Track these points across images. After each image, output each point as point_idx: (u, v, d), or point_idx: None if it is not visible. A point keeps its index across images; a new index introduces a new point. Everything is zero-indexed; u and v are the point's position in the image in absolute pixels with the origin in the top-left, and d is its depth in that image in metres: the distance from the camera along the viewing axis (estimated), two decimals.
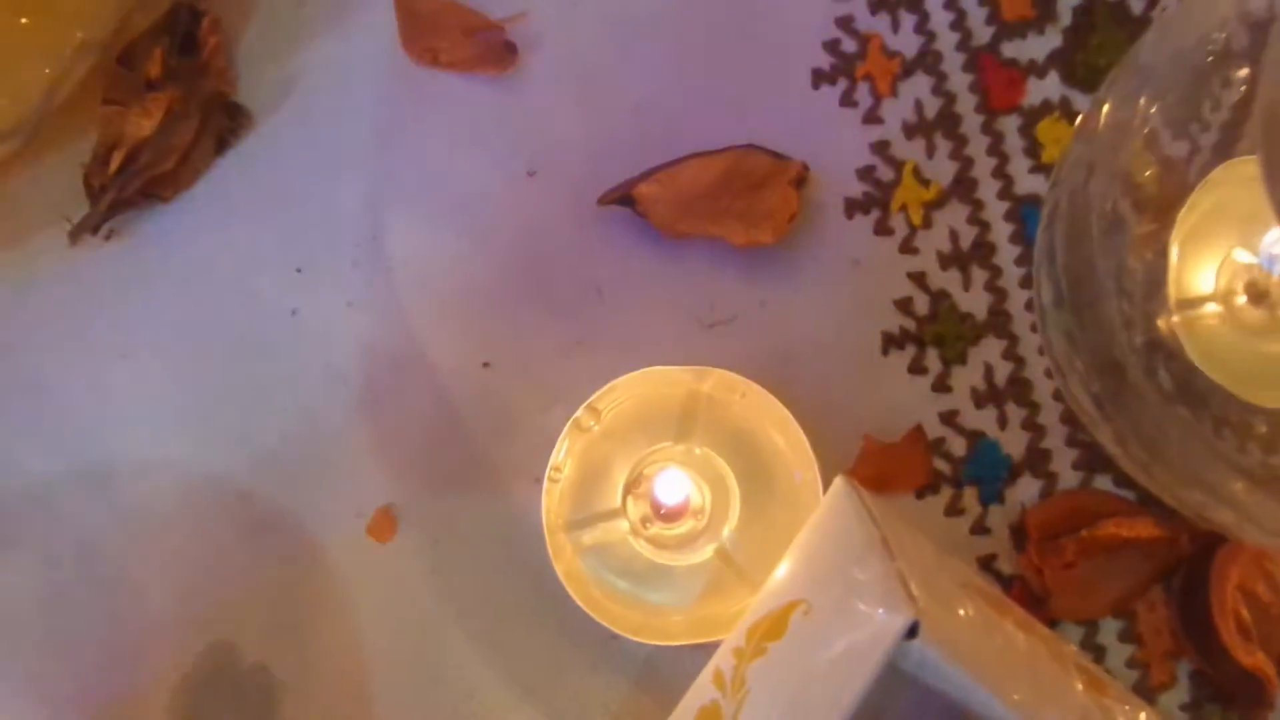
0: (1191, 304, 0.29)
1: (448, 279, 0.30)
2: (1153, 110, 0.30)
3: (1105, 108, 0.28)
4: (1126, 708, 0.24)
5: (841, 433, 0.30)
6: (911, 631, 0.21)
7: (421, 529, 0.28)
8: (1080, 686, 0.23)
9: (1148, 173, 0.31)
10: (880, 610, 0.21)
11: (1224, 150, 0.33)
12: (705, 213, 0.30)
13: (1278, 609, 0.30)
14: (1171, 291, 0.29)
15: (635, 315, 0.30)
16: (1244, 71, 0.33)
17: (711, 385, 0.29)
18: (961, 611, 0.22)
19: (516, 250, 0.30)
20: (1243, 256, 0.29)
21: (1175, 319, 0.29)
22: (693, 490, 0.28)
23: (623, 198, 0.30)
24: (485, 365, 0.29)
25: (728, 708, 0.22)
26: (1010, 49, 0.33)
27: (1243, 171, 0.30)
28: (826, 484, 0.28)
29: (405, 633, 0.29)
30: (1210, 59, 0.32)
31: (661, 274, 0.30)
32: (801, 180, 0.31)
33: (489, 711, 0.29)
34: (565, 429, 0.27)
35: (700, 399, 0.29)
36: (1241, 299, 0.29)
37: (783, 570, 0.23)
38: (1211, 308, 0.29)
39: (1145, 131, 0.30)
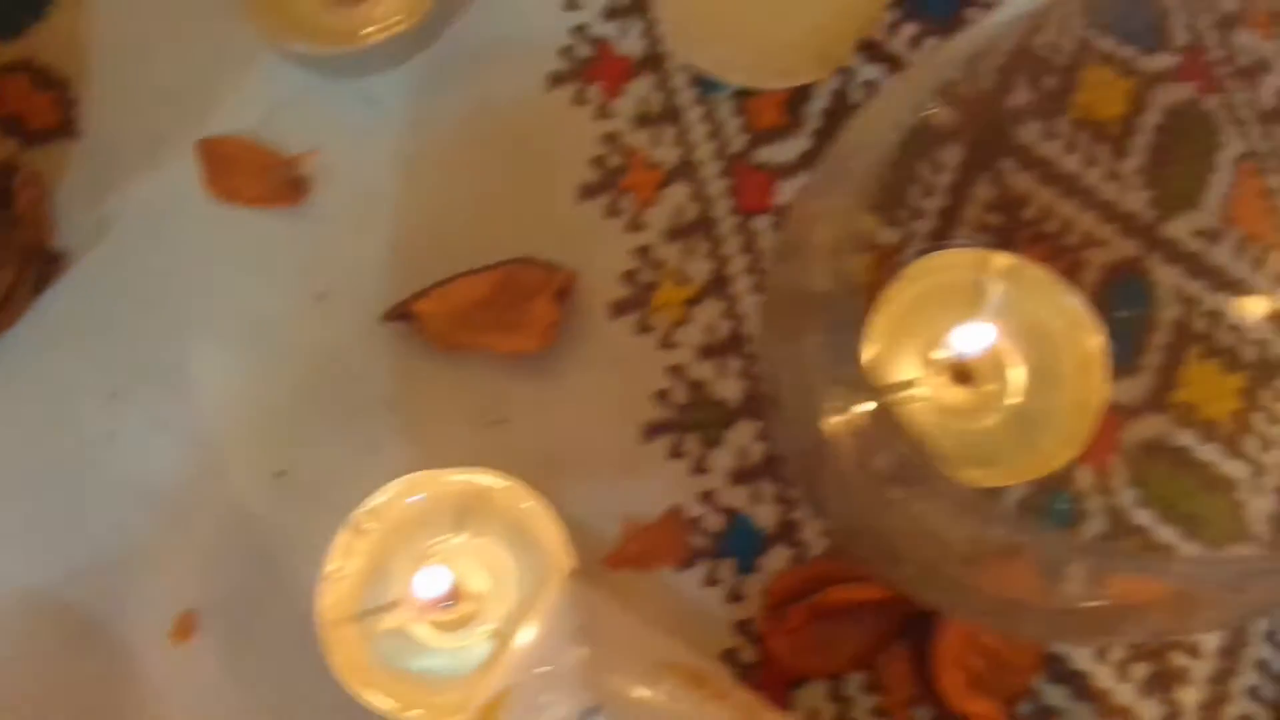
0: (899, 387, 0.33)
1: (246, 398, 0.34)
2: (849, 199, 0.34)
3: (804, 199, 0.32)
4: None
5: (607, 518, 0.34)
6: (592, 713, 0.24)
7: (223, 632, 0.32)
8: None
9: (856, 262, 0.35)
10: (562, 697, 0.24)
11: (941, 234, 0.37)
12: (477, 325, 0.34)
13: (1008, 655, 0.34)
14: (879, 376, 0.33)
15: (420, 422, 0.34)
16: (954, 155, 0.37)
17: (484, 483, 0.32)
18: (649, 693, 0.26)
19: (309, 368, 0.34)
20: (945, 343, 0.32)
21: (882, 403, 0.33)
22: (464, 577, 0.32)
23: (403, 314, 0.34)
24: (280, 474, 0.33)
25: None
26: (763, 154, 0.37)
27: (943, 261, 0.34)
28: (587, 570, 0.32)
29: None
30: (911, 144, 0.36)
31: (443, 382, 0.34)
32: (566, 289, 0.34)
33: None
34: (341, 532, 0.31)
35: (474, 496, 0.33)
36: (946, 380, 0.33)
37: (506, 658, 0.27)
38: (919, 390, 0.33)
39: (845, 222, 0.34)
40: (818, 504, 0.29)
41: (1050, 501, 0.35)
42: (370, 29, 0.35)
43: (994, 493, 0.34)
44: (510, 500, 0.32)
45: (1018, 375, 0.34)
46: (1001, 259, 0.33)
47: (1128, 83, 0.37)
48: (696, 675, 0.27)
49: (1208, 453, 0.36)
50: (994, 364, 0.33)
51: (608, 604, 0.28)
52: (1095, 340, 0.33)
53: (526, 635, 0.27)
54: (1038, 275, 0.33)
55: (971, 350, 0.31)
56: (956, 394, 0.33)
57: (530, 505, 0.32)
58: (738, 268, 0.36)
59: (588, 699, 0.25)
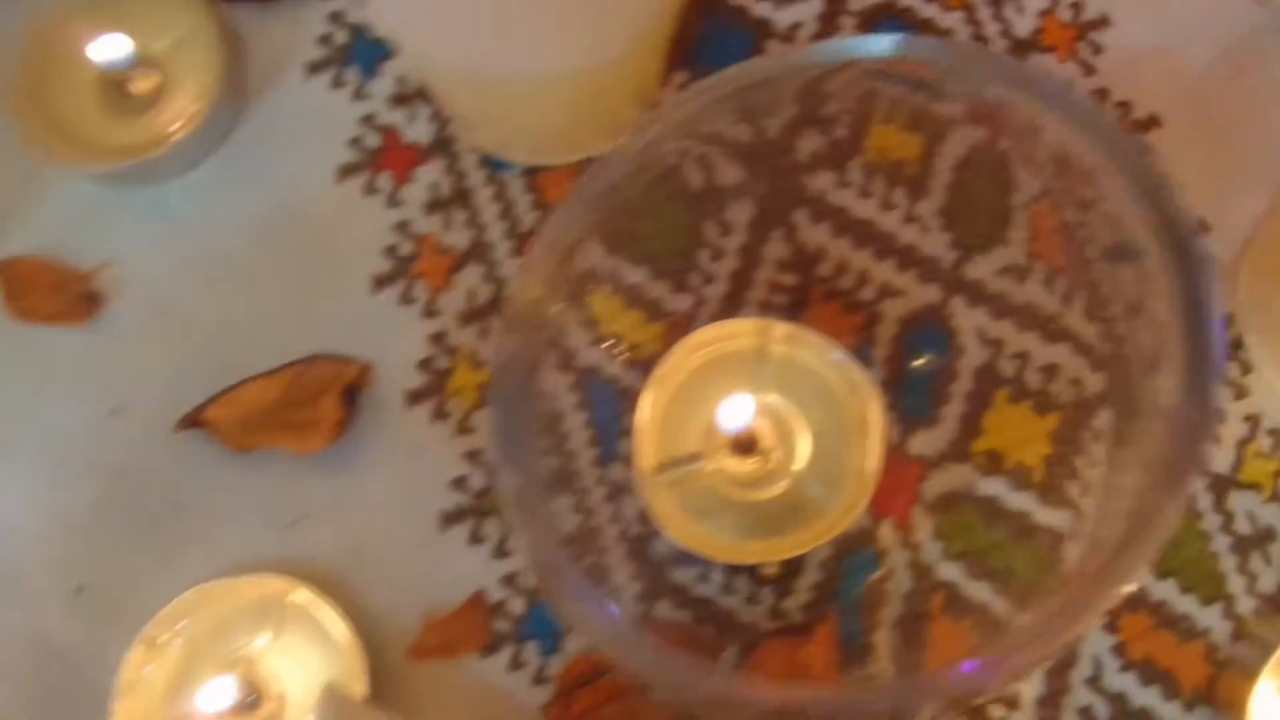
0: (679, 463, 0.33)
1: (44, 515, 0.34)
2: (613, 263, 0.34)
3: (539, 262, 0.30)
4: None
5: (410, 610, 0.34)
6: None
7: None
8: None
9: (644, 331, 0.35)
10: None
11: (735, 297, 0.37)
12: (268, 427, 0.34)
13: None
14: (652, 453, 0.33)
15: (220, 527, 0.34)
16: (744, 212, 0.37)
17: (277, 588, 0.33)
18: None
19: (106, 481, 0.34)
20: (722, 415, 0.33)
21: (661, 479, 0.33)
22: (265, 681, 0.32)
23: (195, 422, 0.34)
24: (79, 590, 0.34)
25: None
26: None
27: (727, 330, 0.34)
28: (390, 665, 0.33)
29: None
30: (697, 206, 0.36)
31: (241, 485, 0.35)
32: (357, 384, 0.35)
33: None
34: (134, 645, 0.32)
35: (272, 600, 0.33)
36: (728, 452, 0.33)
37: None
38: (702, 465, 0.33)
39: (609, 289, 0.34)
40: (566, 617, 0.29)
41: (851, 564, 0.35)
42: (155, 138, 0.36)
43: (791, 563, 0.35)
44: (307, 604, 0.33)
45: (803, 441, 0.34)
46: (782, 327, 0.33)
47: (917, 137, 0.37)
48: None
49: (1019, 501, 0.36)
50: (778, 431, 0.33)
51: (365, 713, 0.28)
52: (872, 401, 0.33)
53: None
54: (817, 340, 0.33)
55: (735, 425, 0.31)
56: (741, 465, 0.33)
57: (325, 608, 0.33)
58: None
59: None
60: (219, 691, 0.31)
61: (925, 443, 0.36)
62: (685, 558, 0.34)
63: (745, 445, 0.33)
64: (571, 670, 0.33)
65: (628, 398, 0.35)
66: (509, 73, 0.30)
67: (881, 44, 0.27)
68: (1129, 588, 0.26)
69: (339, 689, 0.30)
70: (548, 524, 0.27)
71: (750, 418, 0.31)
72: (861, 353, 0.36)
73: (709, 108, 0.28)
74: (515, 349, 0.28)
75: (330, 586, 0.34)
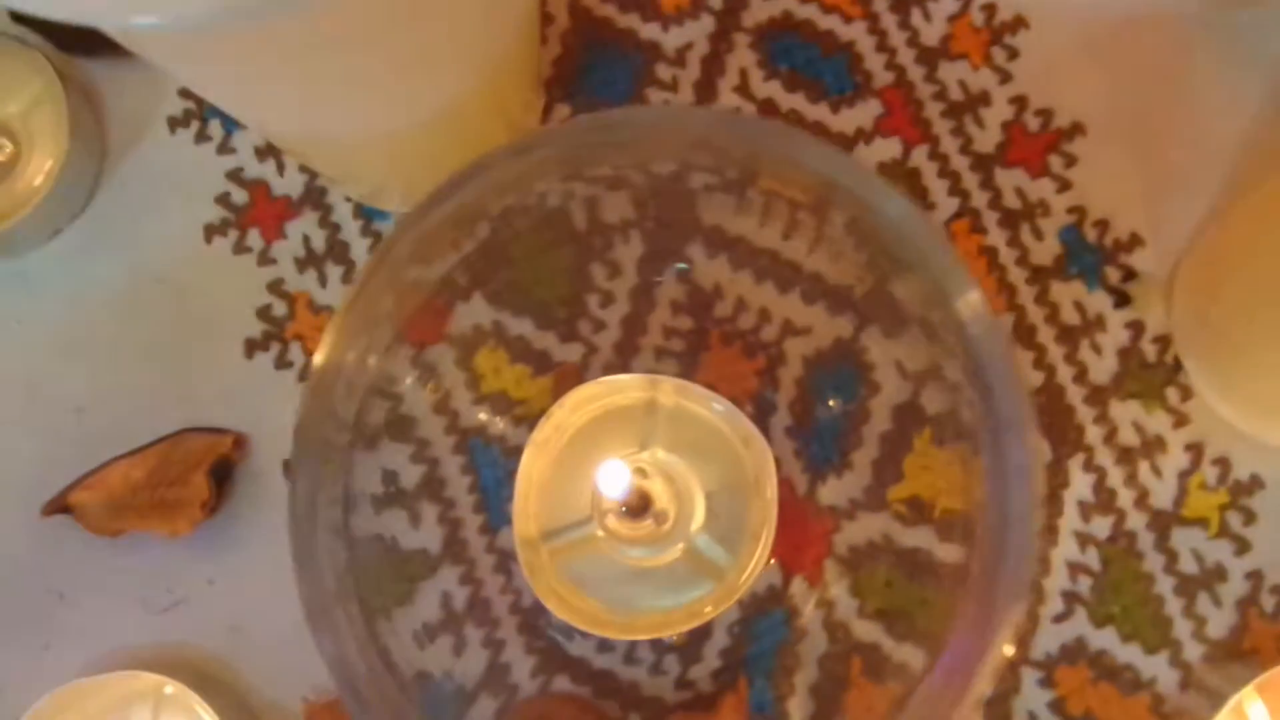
0: (567, 529, 0.31)
1: None
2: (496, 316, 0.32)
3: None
4: None
5: (291, 697, 0.32)
6: None
7: None
8: None
9: (528, 385, 0.33)
10: None
11: (628, 345, 0.35)
12: (135, 509, 0.33)
13: None
14: (536, 520, 0.31)
15: (95, 614, 0.33)
16: (633, 251, 0.34)
17: (148, 686, 0.31)
18: None
19: None
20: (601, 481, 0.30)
21: (545, 548, 0.31)
22: None
23: (61, 507, 0.33)
24: None
25: None
26: (425, 272, 0.35)
27: (614, 385, 0.32)
28: None
29: None
30: (584, 248, 0.34)
31: (114, 570, 0.33)
32: (228, 458, 0.33)
33: None
34: None
35: (148, 699, 0.32)
36: (618, 517, 0.31)
37: None
38: (590, 532, 0.31)
39: (492, 343, 0.32)
40: None
41: (761, 626, 0.33)
42: (9, 207, 0.34)
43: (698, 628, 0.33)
44: (180, 697, 0.32)
45: (699, 500, 0.32)
46: (670, 381, 0.31)
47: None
48: None
49: (946, 552, 0.34)
50: (671, 490, 0.31)
51: None
52: (763, 453, 0.30)
53: None
54: (706, 394, 0.31)
55: (616, 491, 0.29)
56: (634, 529, 0.31)
57: (198, 706, 0.31)
58: (424, 409, 0.35)
59: None
60: None
61: (836, 491, 0.33)
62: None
63: (637, 508, 0.31)
64: None
65: (516, 458, 0.34)
66: (348, 134, 0.28)
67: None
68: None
69: None
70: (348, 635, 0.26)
71: (629, 482, 0.29)
72: (765, 398, 0.34)
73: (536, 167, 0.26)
74: (311, 419, 0.26)
75: (208, 676, 0.32)
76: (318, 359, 0.26)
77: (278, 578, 0.33)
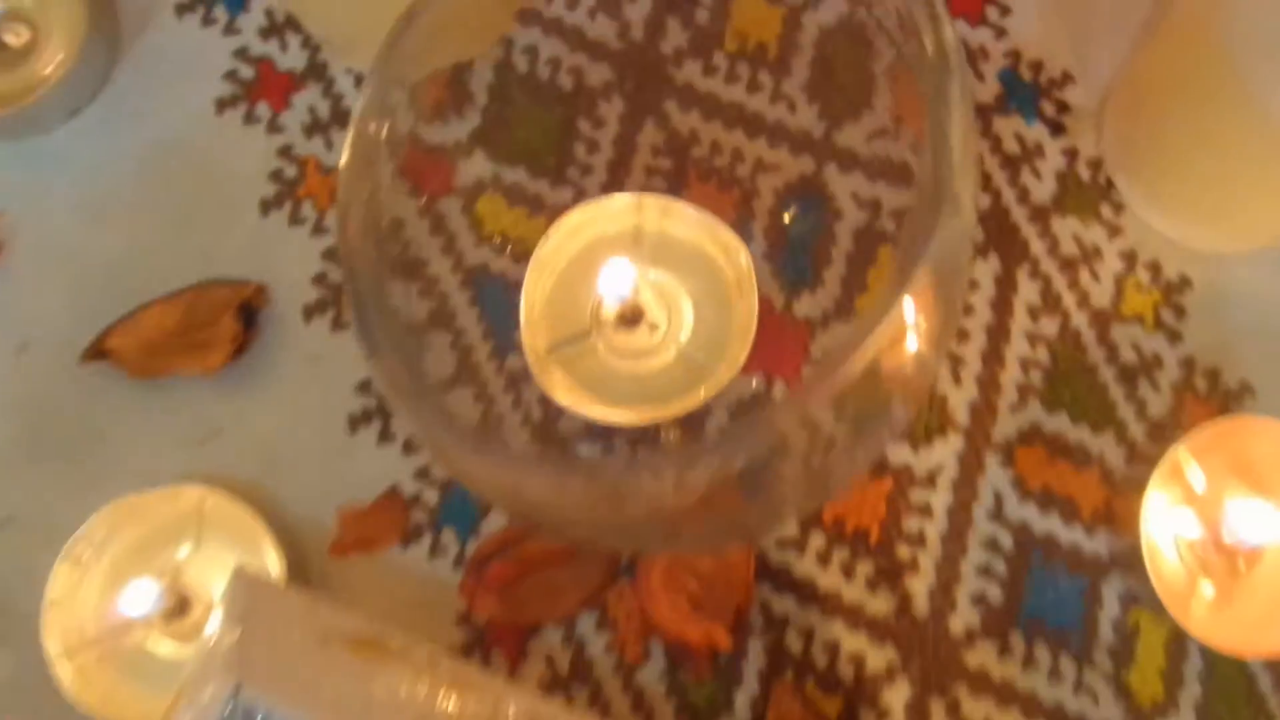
0: (568, 342, 0.35)
1: None
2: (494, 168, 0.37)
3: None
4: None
5: (325, 511, 0.37)
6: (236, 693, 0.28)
7: None
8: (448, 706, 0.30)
9: (524, 225, 0.38)
10: (213, 680, 0.28)
11: (614, 186, 0.39)
12: (169, 351, 0.37)
13: (721, 574, 0.36)
14: (543, 335, 0.35)
15: (135, 451, 0.37)
16: (615, 107, 0.39)
17: (192, 497, 0.35)
18: (314, 661, 0.29)
19: (20, 417, 0.37)
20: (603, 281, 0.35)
21: (553, 359, 0.36)
22: (194, 588, 0.35)
23: (99, 352, 0.37)
24: (7, 521, 0.36)
25: None
26: (435, 136, 0.40)
27: (600, 211, 0.36)
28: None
29: None
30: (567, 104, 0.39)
31: (151, 409, 0.37)
32: (253, 303, 0.37)
33: None
34: (58, 563, 0.34)
35: (189, 512, 0.36)
36: (614, 327, 0.35)
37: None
38: (589, 341, 0.36)
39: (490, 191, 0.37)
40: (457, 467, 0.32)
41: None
42: (29, 86, 0.38)
43: (689, 425, 0.37)
44: (222, 509, 0.36)
45: (687, 311, 0.36)
46: (653, 199, 0.36)
47: (776, 12, 0.40)
48: (366, 641, 0.30)
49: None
50: (662, 303, 0.36)
51: (269, 587, 0.31)
52: (744, 258, 0.35)
53: (211, 627, 0.30)
54: (688, 211, 0.36)
55: (618, 289, 0.34)
56: (629, 338, 0.36)
57: (242, 513, 0.35)
58: (433, 251, 0.39)
59: (230, 678, 0.28)
60: (142, 594, 0.33)
61: (810, 306, 0.38)
62: (588, 435, 0.36)
63: (631, 318, 0.36)
64: (484, 546, 0.36)
65: (518, 290, 0.38)
66: None
67: None
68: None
69: (247, 570, 0.32)
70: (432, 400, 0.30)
71: (631, 280, 0.33)
72: (742, 226, 0.39)
73: None
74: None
75: (246, 494, 0.36)
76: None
77: (304, 408, 0.37)
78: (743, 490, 0.29)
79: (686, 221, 0.36)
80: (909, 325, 0.24)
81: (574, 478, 0.26)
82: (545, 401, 0.37)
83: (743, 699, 0.36)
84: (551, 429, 0.37)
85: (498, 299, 0.38)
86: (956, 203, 0.24)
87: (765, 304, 0.38)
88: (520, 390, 0.38)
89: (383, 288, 0.32)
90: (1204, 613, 0.36)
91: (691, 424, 0.38)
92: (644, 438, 0.38)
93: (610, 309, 0.35)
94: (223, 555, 0.36)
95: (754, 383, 0.38)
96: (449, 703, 0.30)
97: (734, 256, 0.36)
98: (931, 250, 0.23)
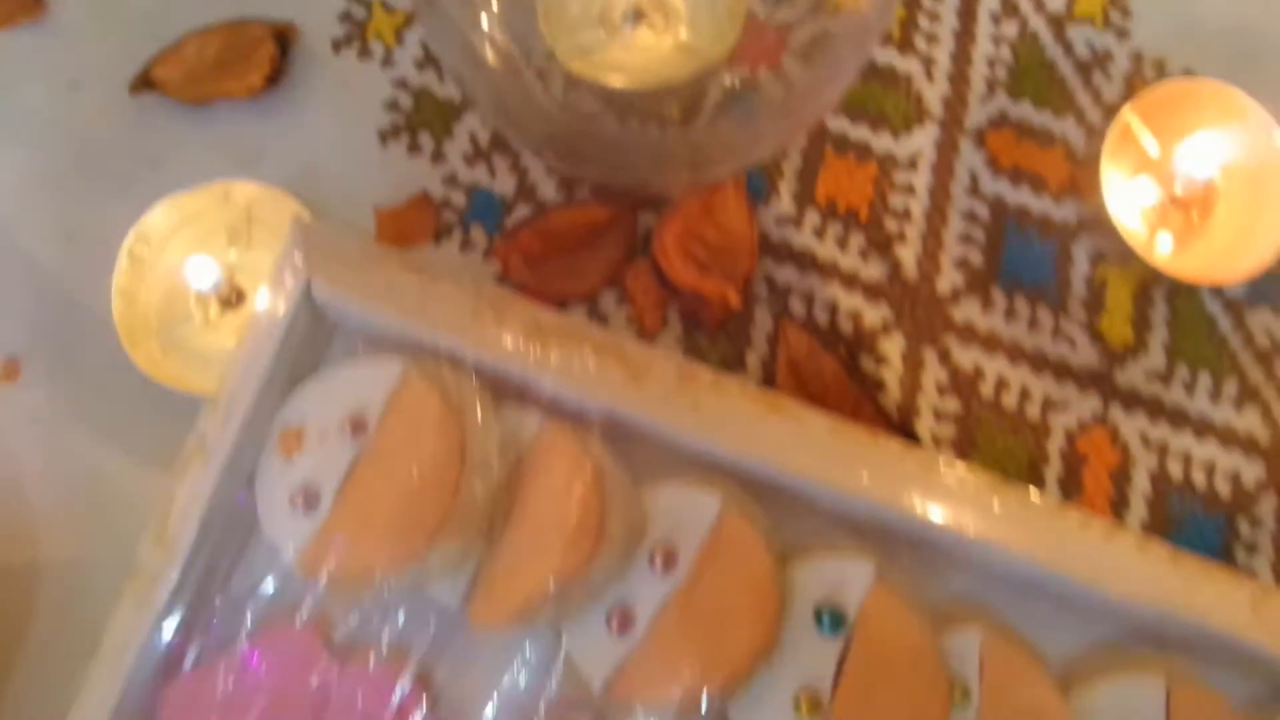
0: (586, 37, 0.39)
1: (31, 179, 0.40)
2: None
3: None
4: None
5: (363, 210, 0.40)
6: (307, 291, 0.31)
7: (43, 371, 0.39)
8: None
9: None
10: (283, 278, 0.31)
11: None
12: (213, 76, 0.41)
13: (727, 244, 0.40)
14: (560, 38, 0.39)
15: (187, 173, 0.41)
16: None
17: (247, 193, 0.39)
18: (370, 275, 0.32)
19: (79, 145, 0.41)
20: None
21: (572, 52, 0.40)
22: (246, 282, 0.39)
23: (146, 83, 0.41)
24: (70, 236, 0.40)
25: None
26: None
27: None
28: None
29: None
30: None
31: (199, 135, 0.41)
32: (287, 35, 0.41)
33: None
34: (118, 258, 0.38)
35: (241, 213, 0.39)
36: (624, 20, 0.40)
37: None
38: (603, 39, 0.40)
39: None
40: (516, 127, 0.36)
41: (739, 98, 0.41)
42: None
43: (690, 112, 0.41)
44: (269, 211, 0.39)
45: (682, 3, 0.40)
46: None
47: None
48: (418, 266, 0.34)
49: (883, 56, 0.43)
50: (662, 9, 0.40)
51: (328, 225, 0.34)
52: None
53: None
54: None
55: None
56: (634, 35, 0.40)
57: (287, 205, 0.39)
58: None
59: (299, 277, 0.31)
60: (203, 268, 0.37)
61: (789, 13, 0.42)
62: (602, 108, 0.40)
63: (634, 15, 0.40)
64: (513, 225, 0.39)
65: None
66: None
67: None
68: None
69: (305, 217, 0.35)
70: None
71: None
72: None
73: None
74: None
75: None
76: None
77: (338, 125, 0.41)
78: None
79: None
80: None
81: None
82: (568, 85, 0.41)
83: (754, 359, 0.40)
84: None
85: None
86: None
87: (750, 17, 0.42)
88: (547, 81, 0.41)
89: None
90: (1164, 261, 0.40)
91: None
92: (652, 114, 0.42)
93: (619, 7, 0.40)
94: (270, 260, 0.39)
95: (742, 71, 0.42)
96: (491, 314, 0.34)
97: None
98: None
